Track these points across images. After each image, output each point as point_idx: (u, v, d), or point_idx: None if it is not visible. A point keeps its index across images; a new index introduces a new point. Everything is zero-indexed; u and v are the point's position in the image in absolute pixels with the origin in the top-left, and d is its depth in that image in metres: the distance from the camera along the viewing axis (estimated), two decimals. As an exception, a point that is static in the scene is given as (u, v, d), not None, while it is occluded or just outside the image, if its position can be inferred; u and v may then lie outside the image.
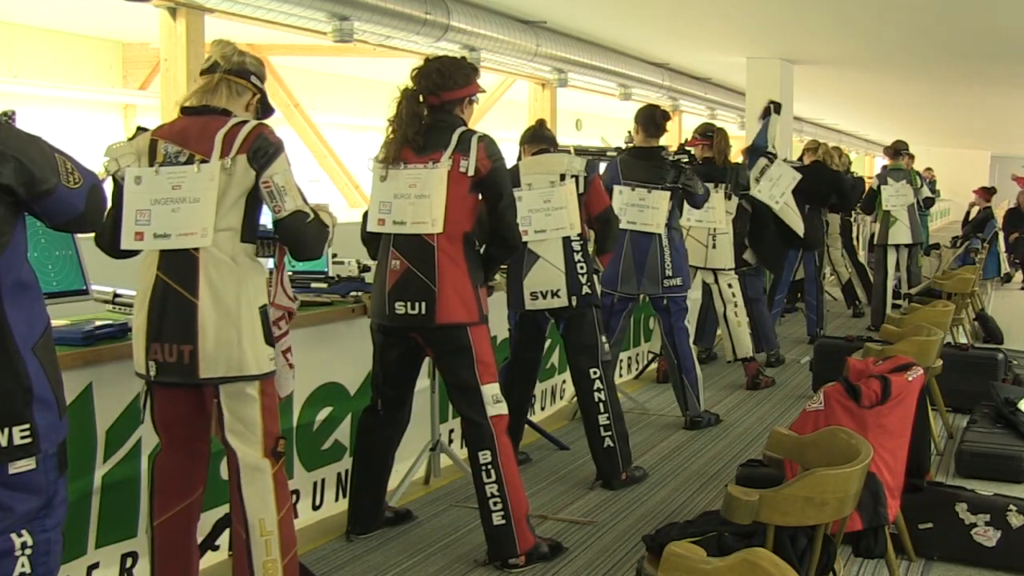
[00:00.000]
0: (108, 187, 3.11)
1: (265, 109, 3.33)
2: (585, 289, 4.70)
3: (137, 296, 3.13)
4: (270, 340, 3.14)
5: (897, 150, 9.54)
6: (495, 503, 3.78)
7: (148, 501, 3.23)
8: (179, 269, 3.04)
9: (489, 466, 3.78)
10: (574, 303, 4.69)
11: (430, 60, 3.87)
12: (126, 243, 3.07)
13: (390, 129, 3.81)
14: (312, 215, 3.15)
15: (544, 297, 4.71)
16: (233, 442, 3.12)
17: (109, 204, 2.56)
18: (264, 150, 3.05)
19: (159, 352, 3.05)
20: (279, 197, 3.06)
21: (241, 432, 3.11)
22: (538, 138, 4.95)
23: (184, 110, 3.21)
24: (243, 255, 3.10)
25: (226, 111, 3.14)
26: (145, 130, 3.22)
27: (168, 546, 3.22)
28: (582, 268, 4.70)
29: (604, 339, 4.83)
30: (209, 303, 3.02)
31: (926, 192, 10.16)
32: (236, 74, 3.19)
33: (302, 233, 3.12)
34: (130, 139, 3.21)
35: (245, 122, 3.10)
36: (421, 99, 3.79)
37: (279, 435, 3.19)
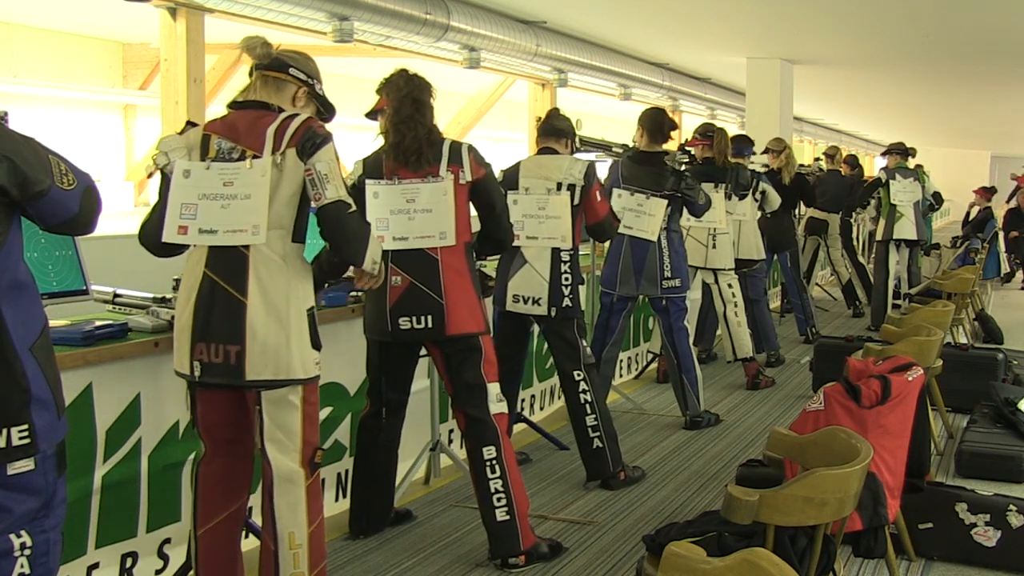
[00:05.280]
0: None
1: (326, 109, 3.27)
2: (566, 302, 4.69)
3: (181, 294, 3.09)
4: (317, 344, 3.09)
5: (905, 151, 9.57)
6: (499, 499, 3.78)
7: (193, 509, 3.19)
8: (228, 267, 2.99)
9: (494, 462, 3.79)
10: (553, 314, 4.68)
11: (408, 72, 3.83)
12: (168, 236, 3.02)
13: (392, 135, 3.79)
14: (355, 208, 3.07)
15: (525, 302, 4.71)
16: (270, 451, 3.06)
17: (103, 205, 2.54)
18: (312, 141, 3.01)
19: (204, 352, 3.00)
20: (320, 185, 2.99)
21: (280, 441, 3.06)
22: (546, 132, 4.83)
23: (231, 105, 3.17)
24: (293, 255, 3.05)
25: (276, 107, 3.10)
26: (194, 124, 3.19)
27: (212, 556, 3.18)
28: (567, 280, 4.68)
29: (585, 343, 4.82)
30: (259, 303, 2.97)
31: (934, 188, 10.22)
32: (270, 68, 3.14)
33: (343, 223, 3.03)
34: (179, 132, 3.18)
35: (295, 116, 3.06)
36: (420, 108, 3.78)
37: (318, 445, 3.13)
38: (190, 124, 3.22)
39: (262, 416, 3.06)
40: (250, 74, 3.20)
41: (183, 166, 3.04)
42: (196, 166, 3.04)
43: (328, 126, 3.31)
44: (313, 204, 3.04)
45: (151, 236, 3.08)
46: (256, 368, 2.99)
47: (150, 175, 3.14)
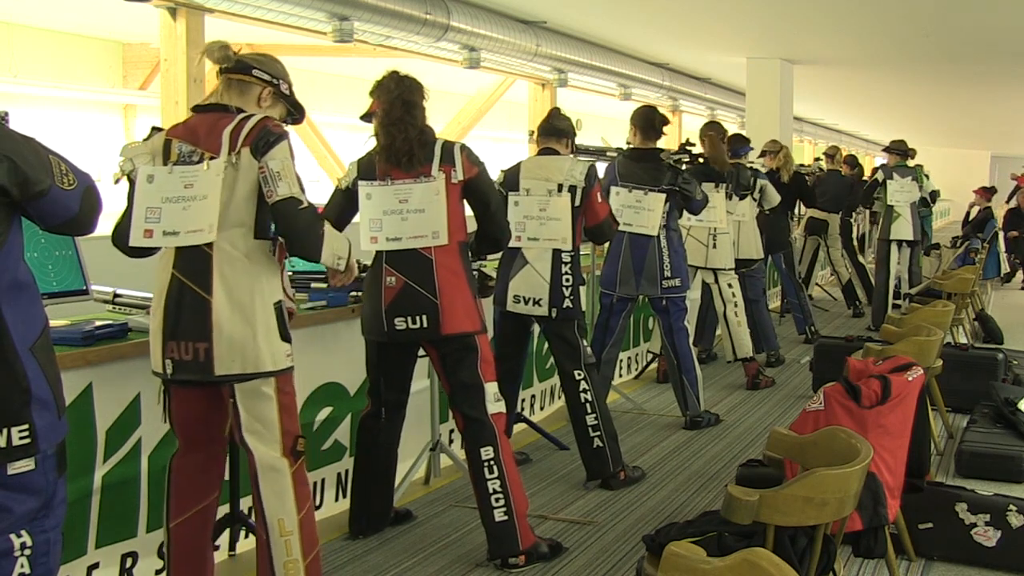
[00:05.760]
0: (124, 187, 3.13)
1: (295, 109, 3.30)
2: (567, 303, 4.69)
3: (154, 296, 3.13)
4: (286, 336, 3.13)
5: (905, 151, 9.56)
6: (497, 499, 3.78)
7: (165, 502, 3.22)
8: (193, 267, 3.04)
9: (492, 462, 3.79)
10: (554, 315, 4.69)
11: (399, 74, 3.83)
12: (135, 240, 3.07)
13: (382, 137, 3.79)
14: (307, 204, 3.10)
15: (525, 303, 4.72)
16: (251, 442, 3.11)
17: (104, 205, 2.54)
18: (265, 139, 3.04)
19: (175, 350, 3.05)
20: (272, 182, 3.03)
21: (259, 432, 3.10)
22: (546, 132, 4.83)
23: (194, 108, 3.21)
24: (257, 252, 3.09)
25: (234, 108, 3.13)
26: (159, 130, 3.23)
27: (184, 549, 3.22)
28: (567, 281, 4.69)
29: (586, 343, 4.82)
30: (223, 300, 3.02)
31: (932, 187, 10.24)
32: (233, 70, 3.18)
33: (293, 219, 3.06)
34: (145, 139, 3.21)
35: (251, 116, 3.10)
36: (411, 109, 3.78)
37: (298, 434, 3.17)
38: (155, 130, 3.25)
39: (238, 408, 3.10)
40: (217, 77, 3.23)
41: (147, 171, 3.09)
42: (159, 171, 3.09)
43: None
44: (267, 201, 3.07)
45: (123, 239, 3.12)
46: (224, 363, 3.04)
47: (116, 181, 3.17)
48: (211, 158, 3.05)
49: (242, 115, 3.11)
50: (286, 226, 3.09)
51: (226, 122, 3.09)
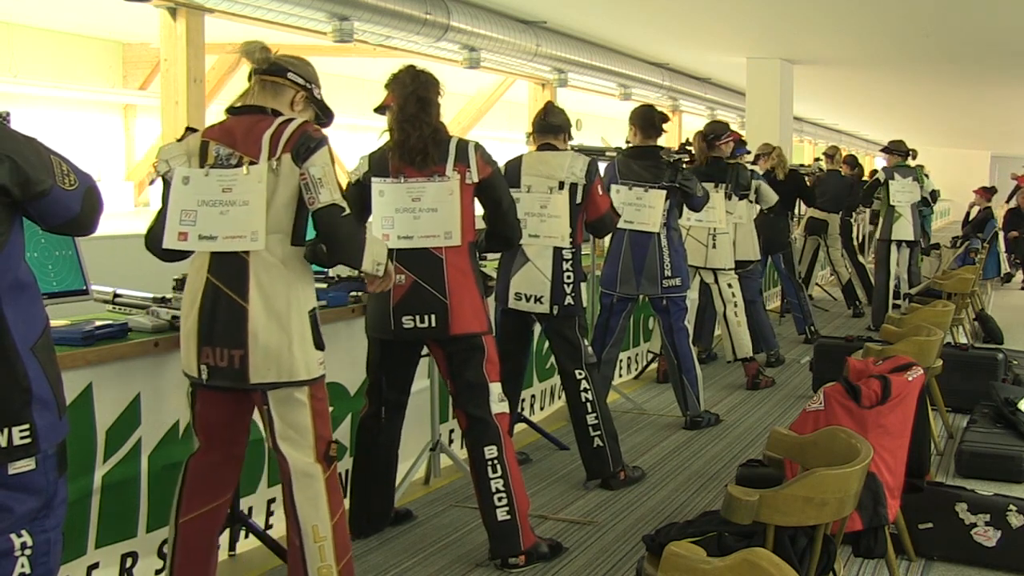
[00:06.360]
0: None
1: (324, 113, 3.28)
2: (568, 300, 4.69)
3: (186, 299, 3.12)
4: (320, 344, 3.13)
5: (904, 151, 9.56)
6: (500, 499, 3.78)
7: (176, 498, 3.23)
8: (229, 272, 3.02)
9: (496, 461, 3.79)
10: (555, 312, 4.69)
11: (415, 69, 3.81)
12: (168, 242, 3.05)
13: (396, 133, 3.77)
14: (348, 211, 3.09)
15: (527, 300, 4.72)
16: (284, 448, 3.10)
17: (105, 206, 2.54)
18: (306, 145, 3.02)
19: (211, 356, 3.04)
20: (314, 189, 3.00)
21: (292, 438, 3.10)
22: (543, 129, 4.83)
23: (229, 110, 3.18)
24: (293, 258, 3.07)
25: (270, 110, 3.11)
26: (194, 131, 3.21)
27: (190, 546, 3.22)
28: (569, 278, 4.69)
29: (587, 342, 4.83)
30: (259, 307, 3.00)
31: (932, 187, 10.25)
32: (269, 72, 3.15)
33: (335, 226, 3.04)
34: (179, 139, 3.20)
35: (290, 120, 3.07)
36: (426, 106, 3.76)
37: (330, 439, 3.17)
38: (189, 130, 3.24)
39: (271, 415, 3.09)
40: (249, 78, 3.20)
41: (182, 173, 3.07)
42: (195, 173, 3.06)
43: (328, 127, 3.31)
44: (309, 208, 3.05)
45: (156, 242, 3.11)
46: (259, 371, 3.03)
47: (152, 182, 3.15)
48: (251, 162, 3.02)
49: (280, 119, 3.08)
50: (329, 233, 3.06)
51: (264, 125, 3.06)
